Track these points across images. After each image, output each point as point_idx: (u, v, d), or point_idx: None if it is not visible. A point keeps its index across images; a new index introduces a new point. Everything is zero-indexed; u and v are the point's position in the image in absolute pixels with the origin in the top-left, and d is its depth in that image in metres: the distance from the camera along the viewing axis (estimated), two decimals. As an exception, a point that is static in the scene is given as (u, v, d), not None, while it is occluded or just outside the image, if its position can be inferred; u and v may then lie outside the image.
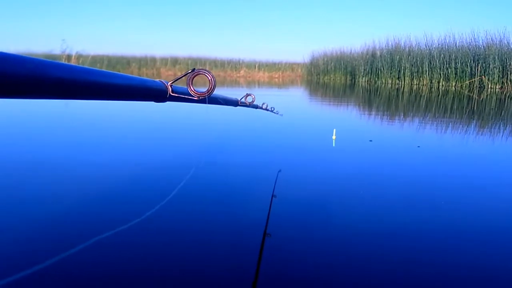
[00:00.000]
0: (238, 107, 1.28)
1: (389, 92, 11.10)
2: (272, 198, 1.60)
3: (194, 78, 0.64)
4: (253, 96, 1.28)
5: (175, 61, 23.94)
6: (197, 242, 1.39)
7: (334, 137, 3.32)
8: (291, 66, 24.77)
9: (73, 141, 3.34)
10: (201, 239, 1.42)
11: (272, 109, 2.19)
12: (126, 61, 23.19)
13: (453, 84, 13.44)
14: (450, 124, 4.84)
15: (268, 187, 1.80)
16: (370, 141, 3.44)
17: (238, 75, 23.81)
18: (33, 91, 0.44)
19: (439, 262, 1.28)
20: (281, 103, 7.62)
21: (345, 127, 4.47)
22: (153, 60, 24.14)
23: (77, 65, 0.48)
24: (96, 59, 21.09)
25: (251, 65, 24.88)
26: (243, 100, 1.26)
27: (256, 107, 1.57)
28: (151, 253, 1.29)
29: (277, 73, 24.41)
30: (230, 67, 24.66)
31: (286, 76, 24.01)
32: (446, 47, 14.01)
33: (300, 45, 47.67)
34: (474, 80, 12.89)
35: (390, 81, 15.32)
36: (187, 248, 1.34)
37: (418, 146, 3.25)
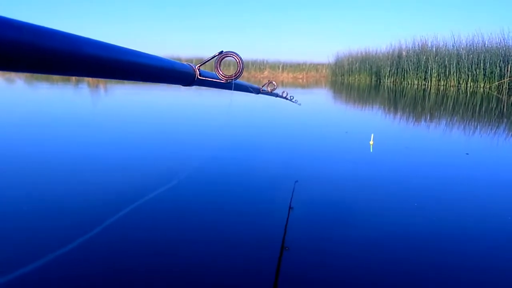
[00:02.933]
0: (259, 94, 1.28)
1: (416, 93, 10.91)
2: (289, 210, 1.57)
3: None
4: (275, 84, 1.28)
5: (200, 62, 24.11)
6: (210, 253, 1.33)
7: (371, 142, 3.14)
8: (316, 67, 24.64)
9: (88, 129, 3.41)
10: (213, 249, 1.36)
11: (291, 97, 2.17)
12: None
13: (482, 85, 13.12)
14: (492, 129, 4.56)
15: (285, 197, 1.75)
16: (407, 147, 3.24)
17: (262, 75, 23.82)
18: (62, 67, 0.43)
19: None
20: (304, 103, 7.59)
21: (375, 130, 4.30)
22: (178, 60, 24.40)
23: (109, 43, 0.49)
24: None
25: (275, 66, 24.87)
26: (264, 88, 1.26)
27: (276, 95, 1.58)
28: (161, 263, 1.26)
29: (301, 73, 24.32)
30: (254, 68, 24.71)
31: (310, 76, 23.90)
32: (475, 47, 13.69)
33: (324, 45, 47.41)
34: (504, 81, 12.55)
35: (416, 82, 15.06)
36: (200, 261, 1.27)
37: (467, 154, 2.97)
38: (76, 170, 2.27)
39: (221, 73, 0.64)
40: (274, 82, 1.28)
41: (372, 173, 2.41)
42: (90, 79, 14.90)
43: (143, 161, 2.56)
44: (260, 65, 24.87)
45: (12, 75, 16.43)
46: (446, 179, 2.30)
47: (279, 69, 24.72)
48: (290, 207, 1.57)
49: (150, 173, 2.26)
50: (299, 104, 2.63)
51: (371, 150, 2.98)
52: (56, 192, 1.89)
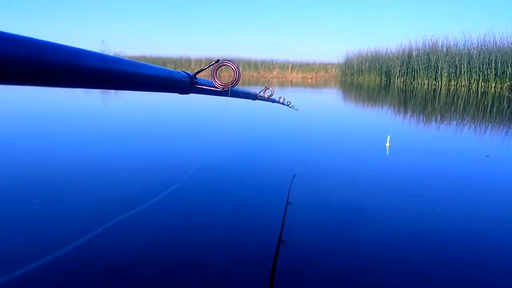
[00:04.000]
0: (256, 100, 1.29)
1: (427, 94, 10.82)
2: (286, 205, 1.59)
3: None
4: (272, 90, 1.29)
5: (209, 62, 24.19)
6: (208, 248, 1.34)
7: (388, 144, 3.02)
8: (325, 67, 24.59)
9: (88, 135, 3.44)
10: (211, 244, 1.37)
11: (288, 103, 2.20)
12: (162, 62, 23.68)
13: (493, 85, 12.98)
14: (509, 130, 4.42)
15: (283, 192, 1.77)
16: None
17: (271, 75, 23.83)
18: (55, 80, 0.44)
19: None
20: (312, 103, 7.58)
21: (385, 131, 4.27)
22: (188, 61, 24.56)
23: (105, 53, 0.50)
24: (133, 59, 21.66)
25: (284, 66, 24.86)
26: (261, 93, 1.27)
27: (273, 101, 1.60)
28: (160, 258, 1.27)
29: (310, 73, 24.28)
30: (264, 68, 24.73)
31: (319, 76, 23.85)
32: (486, 47, 13.55)
33: (334, 45, 47.24)
34: (516, 81, 12.41)
35: (426, 82, 14.96)
36: (198, 255, 1.29)
37: (487, 156, 2.85)
38: (79, 172, 2.28)
39: (217, 81, 0.65)
40: (271, 88, 1.29)
41: (382, 173, 2.39)
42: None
43: (149, 161, 2.58)
44: (269, 65, 24.88)
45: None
46: (468, 182, 2.25)
47: (288, 69, 24.71)
48: (287, 202, 1.60)
49: (154, 173, 2.27)
50: (296, 110, 2.64)
51: (387, 153, 2.90)
52: (61, 193, 1.91)
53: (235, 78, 0.65)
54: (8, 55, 0.37)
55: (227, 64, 0.64)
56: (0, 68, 0.36)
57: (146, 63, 0.57)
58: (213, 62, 0.64)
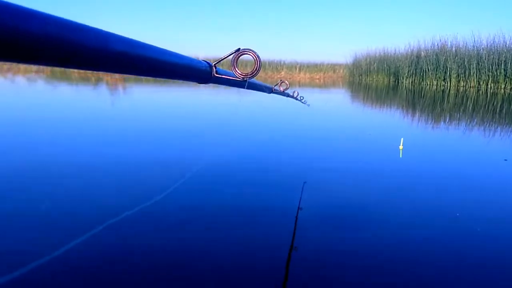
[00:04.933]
0: (271, 94, 1.29)
1: (436, 94, 10.74)
2: (298, 211, 1.57)
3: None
4: (287, 83, 1.29)
5: (216, 61, 24.36)
6: (219, 253, 1.32)
7: (401, 147, 2.98)
8: (333, 67, 24.49)
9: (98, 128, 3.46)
10: (222, 249, 1.35)
11: (301, 98, 2.23)
12: (170, 61, 23.68)
13: (502, 86, 12.87)
14: None
15: (293, 196, 1.76)
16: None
17: (278, 76, 23.77)
18: (85, 61, 0.43)
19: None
20: (320, 103, 7.56)
21: (394, 132, 4.24)
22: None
23: (129, 37, 0.49)
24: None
25: (291, 66, 24.79)
26: (276, 87, 1.27)
27: (287, 95, 1.61)
28: (171, 261, 1.26)
29: (318, 74, 24.20)
30: (271, 68, 24.67)
31: (327, 77, 23.77)
32: (496, 47, 13.43)
33: (342, 45, 47.10)
34: (526, 82, 12.28)
35: (435, 83, 14.86)
36: (209, 261, 1.27)
37: (505, 160, 2.77)
38: (81, 171, 2.27)
39: (238, 71, 0.64)
40: (286, 82, 1.29)
41: (396, 177, 2.35)
42: (109, 78, 15.05)
43: (153, 160, 2.58)
44: (277, 66, 24.82)
45: (33, 74, 16.71)
46: (490, 187, 2.19)
47: (296, 69, 24.64)
48: (299, 208, 1.58)
49: (159, 173, 2.27)
50: (308, 105, 2.65)
51: (401, 156, 2.84)
52: (66, 191, 1.92)
53: (256, 68, 0.64)
54: (39, 33, 0.36)
55: (248, 53, 0.64)
56: (31, 46, 0.36)
57: (168, 50, 0.57)
58: (233, 51, 0.63)
